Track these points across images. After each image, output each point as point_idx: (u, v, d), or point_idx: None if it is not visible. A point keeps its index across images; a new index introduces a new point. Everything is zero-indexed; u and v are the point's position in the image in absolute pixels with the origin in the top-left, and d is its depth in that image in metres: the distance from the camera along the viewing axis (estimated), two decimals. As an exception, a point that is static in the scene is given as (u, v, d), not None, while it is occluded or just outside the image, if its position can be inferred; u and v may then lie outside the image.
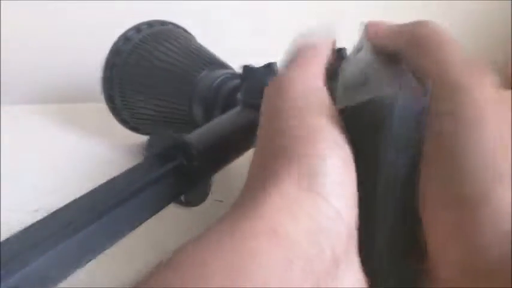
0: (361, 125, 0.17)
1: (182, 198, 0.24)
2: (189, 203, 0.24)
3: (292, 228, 0.14)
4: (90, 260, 0.20)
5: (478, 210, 0.14)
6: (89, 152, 0.45)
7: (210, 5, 0.58)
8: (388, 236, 0.16)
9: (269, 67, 0.30)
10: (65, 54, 0.55)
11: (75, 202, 0.21)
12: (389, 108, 0.16)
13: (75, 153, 0.45)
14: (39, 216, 0.19)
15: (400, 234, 0.17)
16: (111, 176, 0.22)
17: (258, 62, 0.31)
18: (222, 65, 0.39)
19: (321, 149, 0.16)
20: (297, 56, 0.21)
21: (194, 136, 0.26)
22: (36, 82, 0.61)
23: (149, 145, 0.26)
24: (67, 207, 0.21)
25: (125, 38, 0.41)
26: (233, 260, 0.12)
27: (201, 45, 0.43)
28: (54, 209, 0.20)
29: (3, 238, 0.18)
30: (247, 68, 0.30)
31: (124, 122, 0.44)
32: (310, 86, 0.19)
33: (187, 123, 0.38)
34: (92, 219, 0.20)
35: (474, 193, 0.14)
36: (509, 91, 0.17)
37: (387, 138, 0.16)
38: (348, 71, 0.21)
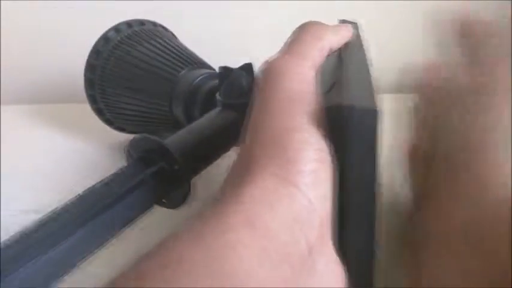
0: (333, 124, 0.18)
1: (164, 200, 0.25)
2: (171, 206, 0.25)
3: (269, 220, 0.15)
4: (79, 264, 0.21)
5: (490, 170, 0.16)
6: (89, 152, 0.45)
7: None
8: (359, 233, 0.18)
9: (246, 68, 0.31)
10: (66, 54, 0.55)
11: (60, 210, 0.22)
12: (347, 120, 0.17)
13: (75, 154, 0.45)
14: (38, 216, 0.20)
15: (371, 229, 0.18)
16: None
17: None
18: (202, 64, 0.39)
19: (297, 142, 0.17)
20: (303, 34, 0.21)
21: (174, 139, 0.26)
22: (36, 82, 0.61)
23: (130, 148, 0.27)
24: (54, 214, 0.21)
25: (104, 38, 0.41)
26: (213, 253, 0.13)
27: (181, 44, 0.43)
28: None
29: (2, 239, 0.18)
30: (224, 69, 0.31)
31: (108, 122, 0.44)
32: (301, 80, 0.19)
33: (170, 122, 0.39)
34: (78, 225, 0.21)
35: (487, 155, 0.16)
36: None
37: (348, 145, 0.17)
38: (322, 72, 0.21)
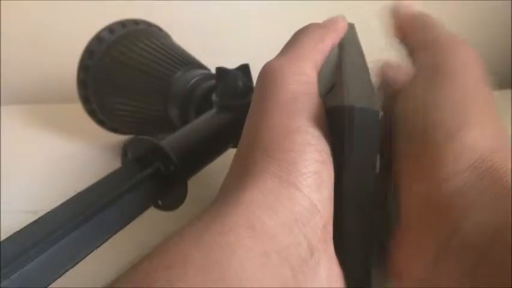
0: (333, 125, 0.18)
1: (160, 202, 0.25)
2: (167, 207, 0.25)
3: (269, 222, 0.14)
4: (75, 264, 0.20)
5: (444, 146, 0.16)
6: (90, 153, 0.45)
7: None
8: (354, 230, 0.18)
9: (242, 69, 0.31)
10: (67, 53, 0.55)
11: (56, 211, 0.21)
12: (347, 121, 0.17)
13: (74, 154, 0.45)
14: (37, 217, 0.20)
15: (367, 229, 0.18)
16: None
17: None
18: (197, 65, 0.39)
19: (298, 144, 0.16)
20: (303, 37, 0.21)
21: (170, 140, 0.26)
22: (36, 82, 0.61)
23: (126, 150, 0.26)
24: (49, 215, 0.21)
25: (97, 39, 0.41)
26: (214, 255, 0.13)
27: (175, 44, 0.43)
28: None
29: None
30: (221, 70, 0.31)
31: (101, 123, 0.44)
32: (301, 81, 0.19)
33: (164, 123, 0.38)
34: (74, 226, 0.21)
35: (442, 131, 0.17)
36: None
37: (348, 145, 0.17)
38: (322, 73, 0.21)
